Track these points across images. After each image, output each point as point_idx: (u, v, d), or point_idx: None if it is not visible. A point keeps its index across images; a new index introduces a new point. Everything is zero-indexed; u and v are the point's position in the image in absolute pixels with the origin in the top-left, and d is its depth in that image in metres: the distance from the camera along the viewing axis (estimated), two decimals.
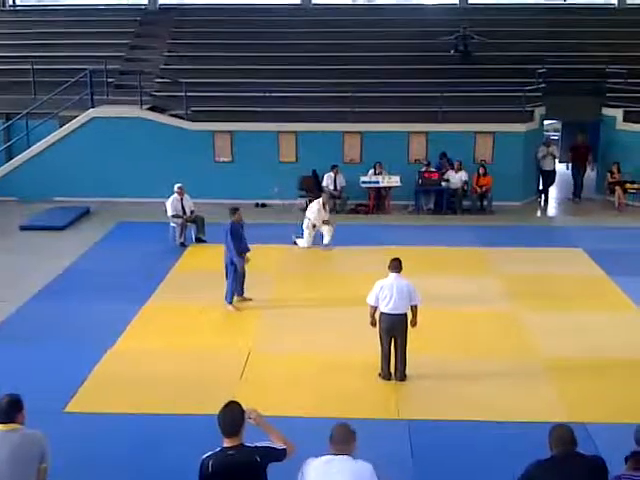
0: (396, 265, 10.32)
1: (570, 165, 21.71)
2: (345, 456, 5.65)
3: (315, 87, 21.31)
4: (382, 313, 10.19)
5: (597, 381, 10.34)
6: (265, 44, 23.46)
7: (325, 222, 16.46)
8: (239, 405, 5.74)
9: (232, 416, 5.65)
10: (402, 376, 10.28)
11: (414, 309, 10.26)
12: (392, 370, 10.32)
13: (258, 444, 5.69)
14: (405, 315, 10.19)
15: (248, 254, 13.13)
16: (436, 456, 8.50)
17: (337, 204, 19.69)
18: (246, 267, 13.06)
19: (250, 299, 13.20)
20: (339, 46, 23.22)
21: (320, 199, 16.69)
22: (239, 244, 12.85)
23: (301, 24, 24.54)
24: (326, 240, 16.37)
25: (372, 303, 10.25)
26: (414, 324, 10.30)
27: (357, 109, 20.31)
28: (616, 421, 9.00)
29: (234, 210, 13.03)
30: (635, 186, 20.17)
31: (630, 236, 17.50)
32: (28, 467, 5.78)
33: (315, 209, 16.36)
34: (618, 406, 9.61)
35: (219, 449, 5.66)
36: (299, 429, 7.68)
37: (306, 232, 16.44)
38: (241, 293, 13.17)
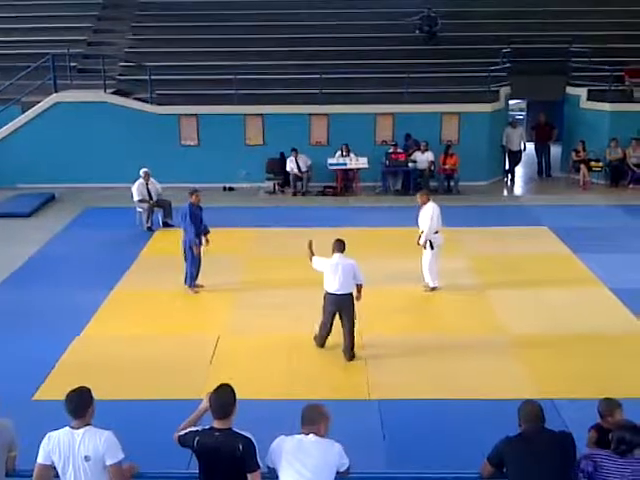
0: (340, 245, 10.42)
1: (534, 144, 21.98)
2: (313, 436, 5.65)
3: (281, 69, 21.22)
4: (328, 293, 10.27)
5: (564, 357, 10.46)
6: (230, 26, 23.21)
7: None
8: (231, 388, 5.68)
9: (222, 399, 5.62)
10: (350, 355, 10.31)
11: (359, 287, 10.37)
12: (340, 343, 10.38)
13: (245, 433, 5.59)
14: (351, 294, 10.29)
15: (208, 236, 13.12)
16: (407, 435, 8.54)
17: (302, 186, 19.78)
18: (205, 250, 12.99)
19: (202, 286, 13.08)
20: (305, 28, 23.07)
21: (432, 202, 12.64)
22: (198, 227, 12.82)
23: (266, 6, 24.33)
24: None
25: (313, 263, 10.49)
26: (358, 299, 10.41)
27: (324, 91, 20.26)
28: (584, 396, 9.11)
29: (193, 191, 12.97)
30: (600, 164, 20.37)
31: (594, 214, 17.73)
32: None
33: (429, 215, 12.43)
34: (585, 381, 9.75)
35: (208, 427, 5.64)
36: (270, 411, 7.70)
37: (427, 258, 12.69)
38: (195, 278, 13.08)
